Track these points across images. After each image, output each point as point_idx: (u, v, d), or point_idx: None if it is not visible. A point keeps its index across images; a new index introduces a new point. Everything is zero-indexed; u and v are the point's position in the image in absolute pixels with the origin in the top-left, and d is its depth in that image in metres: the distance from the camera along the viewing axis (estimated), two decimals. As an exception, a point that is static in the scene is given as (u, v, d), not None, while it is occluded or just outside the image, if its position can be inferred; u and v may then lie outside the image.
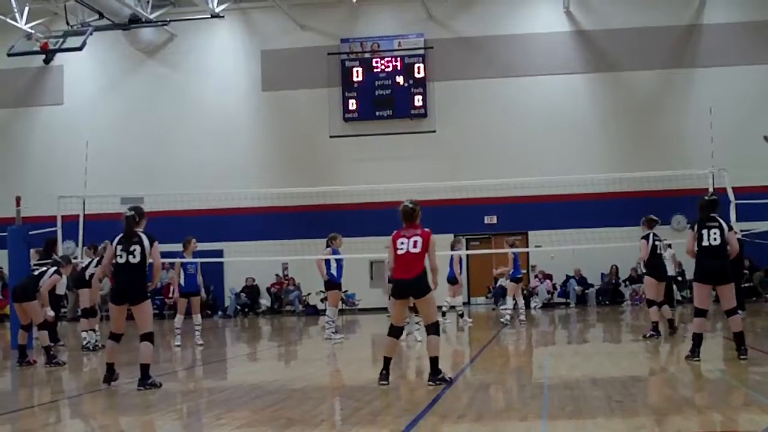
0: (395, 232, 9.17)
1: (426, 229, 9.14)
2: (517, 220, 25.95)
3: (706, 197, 10.83)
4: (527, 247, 25.29)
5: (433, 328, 9.00)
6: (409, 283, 9.00)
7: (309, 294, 26.74)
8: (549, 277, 26.18)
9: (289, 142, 27.71)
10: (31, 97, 28.97)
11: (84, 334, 15.08)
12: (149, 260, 9.60)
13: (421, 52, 27.26)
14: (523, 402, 7.95)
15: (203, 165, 27.02)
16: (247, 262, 25.17)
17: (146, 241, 9.50)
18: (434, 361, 8.94)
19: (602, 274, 26.00)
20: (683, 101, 26.31)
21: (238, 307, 26.93)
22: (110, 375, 9.73)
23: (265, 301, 27.42)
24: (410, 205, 9.18)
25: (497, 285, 25.88)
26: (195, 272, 15.37)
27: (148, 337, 9.43)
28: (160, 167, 27.07)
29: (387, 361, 9.10)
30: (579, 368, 10.26)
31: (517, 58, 26.98)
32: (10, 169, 28.00)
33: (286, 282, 27.22)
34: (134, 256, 9.44)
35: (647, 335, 13.57)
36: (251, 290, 27.25)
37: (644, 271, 14.32)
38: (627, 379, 9.71)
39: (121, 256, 9.50)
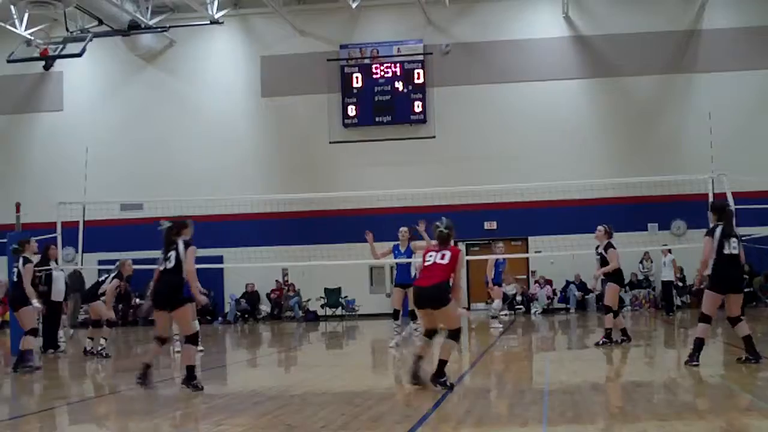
0: (426, 248, 9.49)
1: (456, 247, 9.21)
2: (517, 226, 25.94)
3: (728, 205, 10.64)
4: (527, 252, 25.30)
5: (453, 334, 8.94)
6: (427, 290, 8.95)
7: (309, 300, 26.74)
8: (549, 282, 26.16)
9: (289, 148, 27.71)
10: (31, 103, 28.98)
11: (88, 341, 15.09)
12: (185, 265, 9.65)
13: (421, 57, 27.30)
14: (524, 407, 7.94)
15: (203, 171, 27.03)
16: (246, 268, 25.18)
17: (181, 247, 9.61)
18: (441, 363, 8.85)
19: (602, 279, 25.95)
20: (682, 106, 26.33)
21: (238, 313, 26.91)
22: (144, 376, 9.71)
23: (265, 307, 27.39)
24: (445, 231, 9.22)
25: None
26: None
27: (190, 339, 9.58)
28: (160, 173, 27.07)
29: (417, 359, 9.04)
30: (579, 374, 10.24)
31: (516, 63, 27.01)
32: (9, 175, 27.99)
33: (286, 288, 27.21)
34: (170, 261, 9.58)
35: (600, 343, 13.58)
36: (251, 296, 27.23)
37: (606, 279, 14.41)
38: (627, 384, 9.70)
39: (161, 264, 9.68)
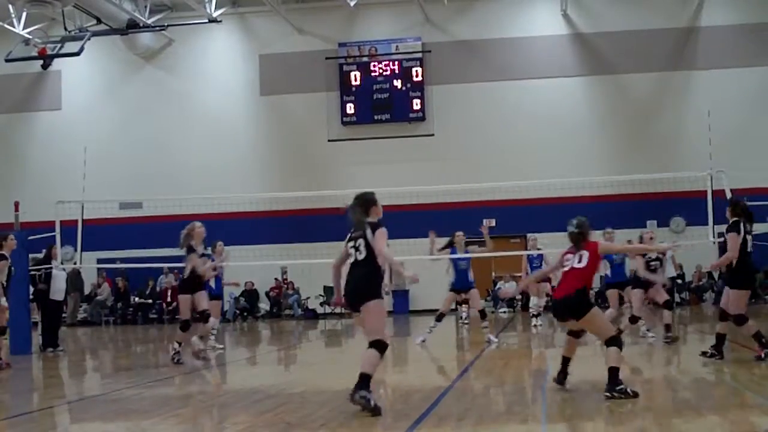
0: (566, 249, 8.69)
1: (592, 242, 8.59)
2: (516, 223, 25.93)
3: (745, 201, 10.51)
4: (526, 249, 25.25)
5: (611, 341, 8.26)
6: (561, 303, 8.48)
7: (308, 298, 26.74)
8: (548, 280, 26.08)
9: (288, 146, 27.72)
10: (29, 102, 28.96)
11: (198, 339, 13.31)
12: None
13: (419, 55, 27.29)
14: (523, 405, 7.94)
15: (202, 169, 27.02)
16: (245, 267, 25.11)
17: (369, 230, 7.67)
18: (612, 371, 8.00)
19: (601, 276, 25.97)
20: (681, 103, 26.35)
21: (237, 312, 26.91)
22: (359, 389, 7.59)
23: (264, 305, 27.41)
24: (575, 231, 8.55)
25: (496, 288, 25.89)
26: (222, 276, 15.45)
27: (374, 344, 7.93)
28: (159, 172, 27.06)
29: (565, 361, 8.81)
30: (579, 371, 10.23)
31: (514, 61, 27.01)
32: (8, 174, 27.99)
33: (285, 286, 27.21)
34: (360, 252, 7.70)
35: (669, 341, 13.33)
36: (250, 294, 27.23)
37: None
38: (627, 381, 9.69)
39: (350, 254, 7.84)
